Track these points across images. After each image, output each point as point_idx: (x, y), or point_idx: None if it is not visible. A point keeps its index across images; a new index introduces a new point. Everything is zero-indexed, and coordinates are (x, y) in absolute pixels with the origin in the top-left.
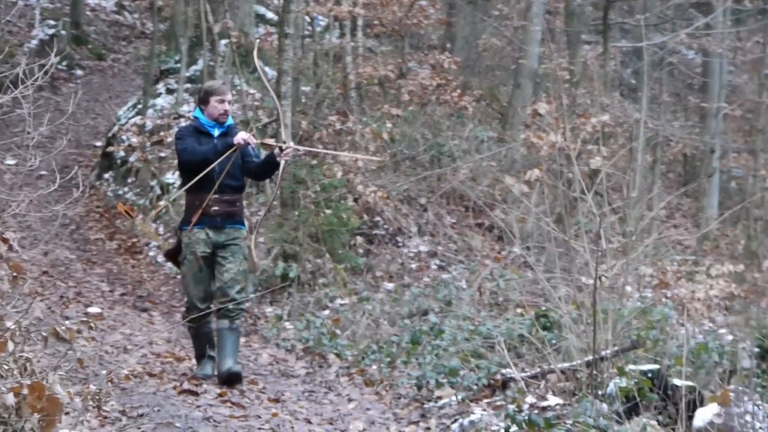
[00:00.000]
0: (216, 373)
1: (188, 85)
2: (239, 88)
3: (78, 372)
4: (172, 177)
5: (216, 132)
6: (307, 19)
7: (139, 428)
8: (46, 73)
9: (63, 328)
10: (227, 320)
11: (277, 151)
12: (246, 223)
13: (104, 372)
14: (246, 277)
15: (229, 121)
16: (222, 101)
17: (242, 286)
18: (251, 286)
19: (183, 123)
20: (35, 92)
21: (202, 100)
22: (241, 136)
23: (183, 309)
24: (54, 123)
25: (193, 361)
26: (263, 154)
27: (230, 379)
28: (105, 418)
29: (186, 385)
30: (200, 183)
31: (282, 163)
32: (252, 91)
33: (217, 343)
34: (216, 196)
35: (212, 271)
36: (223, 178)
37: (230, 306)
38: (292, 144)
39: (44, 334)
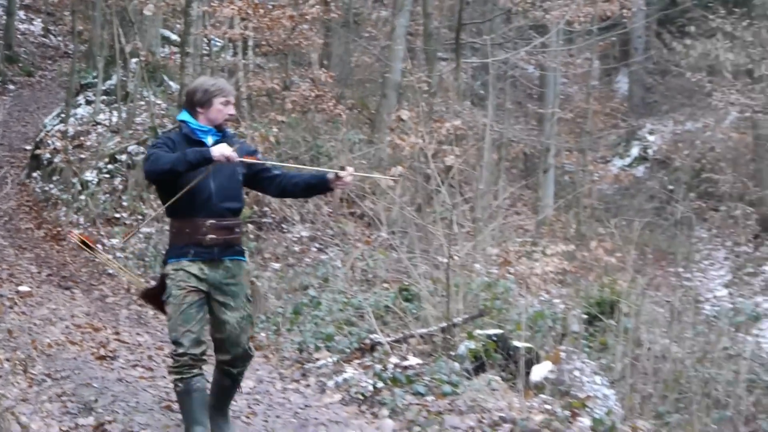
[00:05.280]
0: None
1: (104, 97)
2: (148, 99)
3: (9, 341)
4: (91, 175)
5: (210, 140)
6: (205, 40)
7: (61, 388)
8: None
9: None
10: (229, 379)
11: (332, 175)
12: (246, 252)
13: (31, 340)
14: (252, 323)
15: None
16: (228, 103)
17: (249, 334)
18: (159, 267)
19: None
20: None
21: (201, 102)
22: (221, 152)
23: (168, 360)
24: None
25: (109, 330)
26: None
27: None
28: (32, 380)
29: (102, 352)
30: (192, 204)
31: (337, 192)
32: (159, 101)
33: (211, 400)
34: (212, 221)
35: (205, 313)
36: (221, 199)
37: (234, 370)
38: (351, 170)
39: None
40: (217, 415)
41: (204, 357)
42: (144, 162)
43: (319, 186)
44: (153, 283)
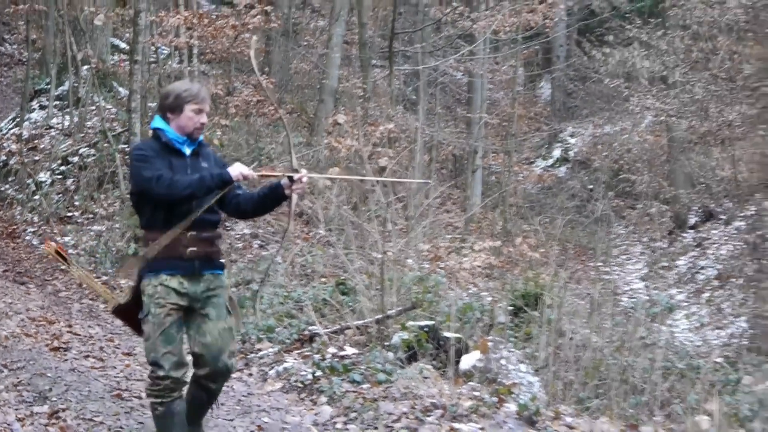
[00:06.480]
0: None
1: (57, 102)
2: (98, 105)
3: None
4: (45, 176)
5: (187, 150)
6: (153, 48)
7: (17, 378)
8: None
9: None
10: (206, 394)
11: (285, 181)
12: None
13: None
14: (234, 337)
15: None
16: (200, 111)
17: (233, 349)
18: (109, 263)
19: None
20: None
21: (172, 107)
22: (239, 170)
23: (146, 380)
24: None
25: (62, 323)
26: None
27: None
28: None
29: (56, 343)
30: (171, 216)
31: (294, 197)
32: (109, 106)
33: (186, 412)
34: (192, 233)
35: (184, 331)
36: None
37: (212, 386)
38: (305, 171)
39: None
40: (191, 428)
41: (185, 379)
42: (149, 181)
43: (272, 195)
44: (120, 293)
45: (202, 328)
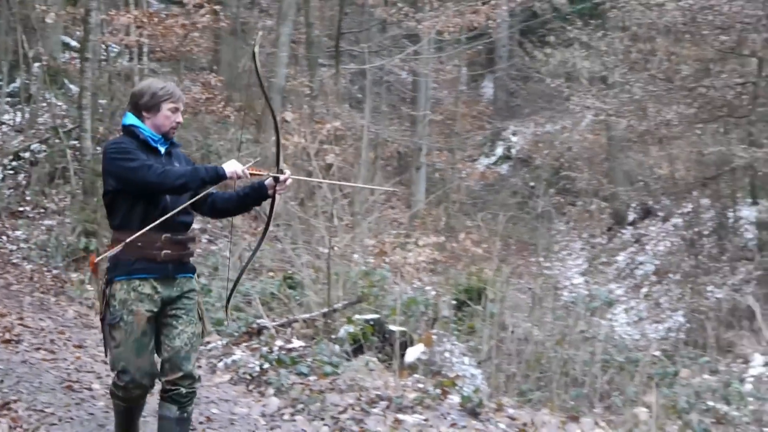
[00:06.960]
0: None
1: (8, 99)
2: (49, 101)
3: None
4: None
5: (162, 149)
6: (104, 46)
7: None
8: None
9: None
10: (176, 407)
11: (270, 181)
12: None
13: None
14: (200, 344)
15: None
16: (176, 110)
17: (197, 356)
18: (60, 257)
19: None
20: None
21: (148, 106)
22: (234, 167)
23: (113, 384)
24: None
25: (14, 316)
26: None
27: None
28: None
29: (7, 336)
30: (146, 216)
31: (277, 197)
32: (59, 103)
33: None
34: (167, 235)
35: (156, 334)
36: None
37: (183, 389)
38: (289, 173)
39: None
40: None
41: (153, 385)
42: (136, 170)
43: (254, 195)
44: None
45: (171, 333)
